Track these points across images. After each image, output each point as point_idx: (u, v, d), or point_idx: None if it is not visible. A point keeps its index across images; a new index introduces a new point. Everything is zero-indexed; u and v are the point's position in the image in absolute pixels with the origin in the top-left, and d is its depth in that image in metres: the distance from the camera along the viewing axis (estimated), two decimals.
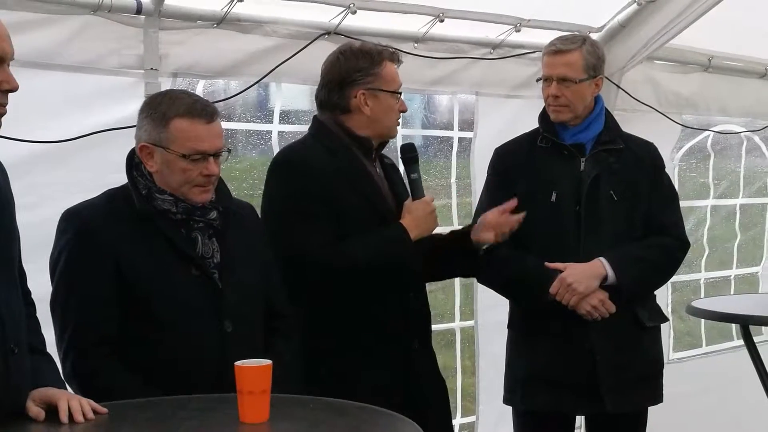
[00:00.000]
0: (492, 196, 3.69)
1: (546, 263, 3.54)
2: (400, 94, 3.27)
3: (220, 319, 2.76)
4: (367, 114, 3.21)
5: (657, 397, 3.74)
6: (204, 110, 2.76)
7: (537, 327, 3.63)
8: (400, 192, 3.32)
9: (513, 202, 3.39)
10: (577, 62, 3.56)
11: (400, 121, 3.31)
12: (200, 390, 2.59)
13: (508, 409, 3.83)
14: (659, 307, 3.78)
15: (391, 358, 3.18)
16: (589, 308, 3.53)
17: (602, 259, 3.54)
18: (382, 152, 3.36)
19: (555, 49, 3.60)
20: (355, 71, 3.20)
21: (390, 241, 3.17)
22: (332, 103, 3.23)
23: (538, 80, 3.68)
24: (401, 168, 3.37)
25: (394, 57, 3.28)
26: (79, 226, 2.74)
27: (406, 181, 3.35)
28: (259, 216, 3.11)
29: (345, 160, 3.19)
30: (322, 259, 3.06)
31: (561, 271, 3.52)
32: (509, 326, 3.79)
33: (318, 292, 3.13)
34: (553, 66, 3.58)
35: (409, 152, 3.31)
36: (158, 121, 2.74)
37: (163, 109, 2.75)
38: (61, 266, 2.74)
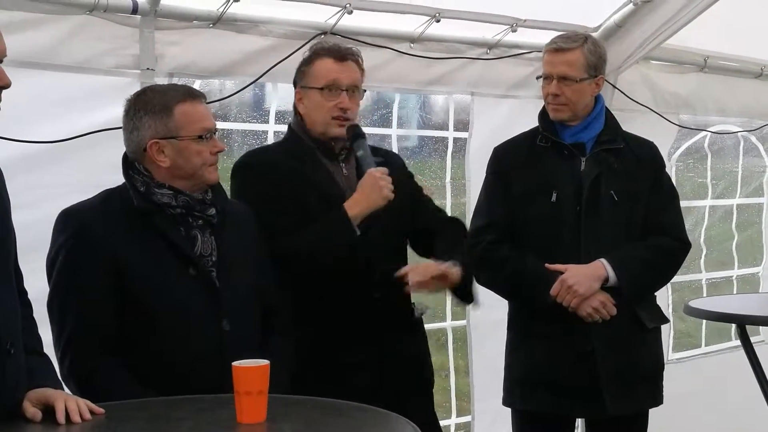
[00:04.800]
0: (490, 195, 3.69)
1: (546, 265, 3.53)
2: (329, 89, 3.10)
3: (218, 318, 2.76)
4: (302, 112, 3.19)
5: (657, 399, 3.73)
6: (196, 91, 2.87)
7: (537, 328, 3.61)
8: None
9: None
10: (578, 61, 3.55)
11: (343, 117, 3.11)
12: (199, 390, 2.58)
13: (505, 409, 3.81)
14: (660, 308, 3.77)
15: (362, 359, 3.10)
16: (591, 310, 3.51)
17: (603, 260, 3.52)
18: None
19: (556, 47, 3.58)
20: (297, 71, 3.20)
21: (327, 223, 3.04)
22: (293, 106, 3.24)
23: (538, 78, 3.67)
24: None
25: (338, 53, 3.14)
26: (77, 226, 2.73)
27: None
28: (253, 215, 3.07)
29: (304, 161, 3.13)
30: (281, 251, 3.00)
31: (561, 273, 3.51)
32: (509, 327, 3.77)
33: (301, 287, 3.07)
34: (553, 64, 3.57)
35: (353, 131, 3.15)
36: (160, 113, 2.75)
37: (161, 101, 2.76)
38: (58, 266, 2.72)
